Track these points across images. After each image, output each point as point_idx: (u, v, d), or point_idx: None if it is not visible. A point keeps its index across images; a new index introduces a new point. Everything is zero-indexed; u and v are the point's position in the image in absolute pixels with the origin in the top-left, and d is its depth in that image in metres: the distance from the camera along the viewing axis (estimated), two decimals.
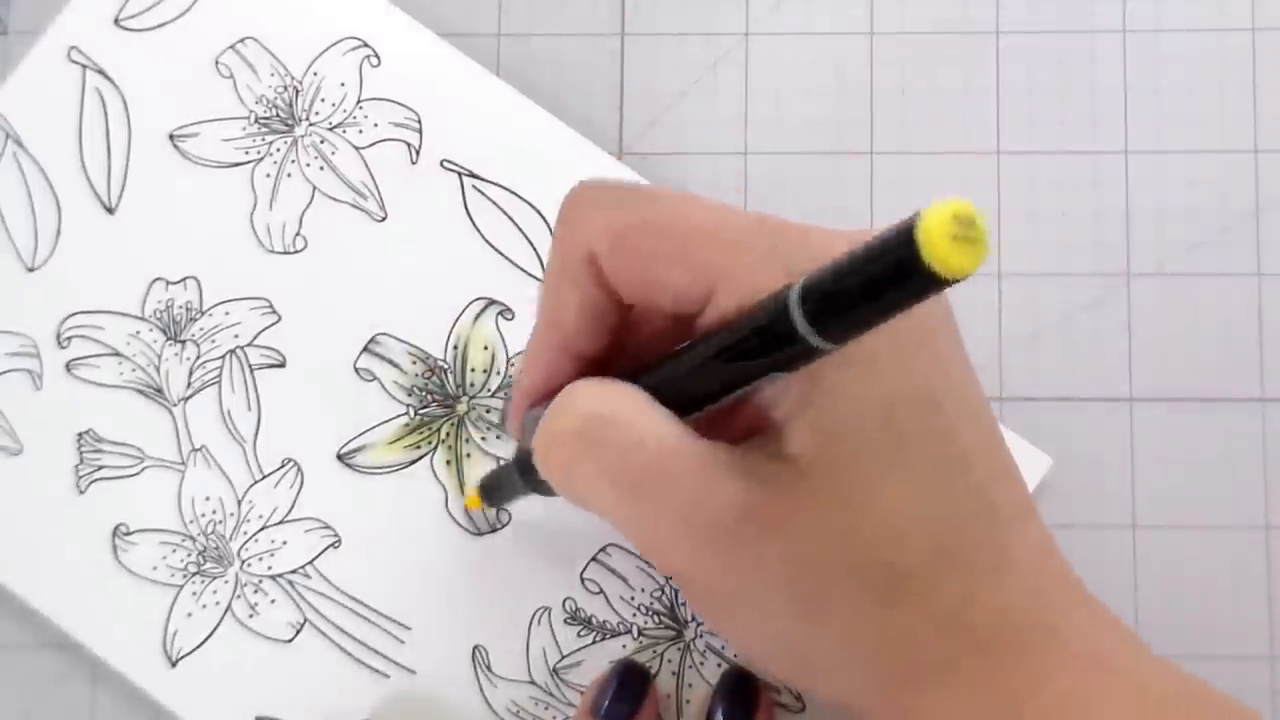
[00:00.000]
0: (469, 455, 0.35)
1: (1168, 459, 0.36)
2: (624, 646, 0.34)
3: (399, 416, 0.36)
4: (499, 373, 0.36)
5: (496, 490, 0.33)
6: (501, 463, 0.35)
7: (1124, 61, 0.37)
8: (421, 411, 0.36)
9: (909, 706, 0.25)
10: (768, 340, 0.22)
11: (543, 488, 0.29)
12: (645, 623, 0.35)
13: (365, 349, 0.36)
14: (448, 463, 0.35)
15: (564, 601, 0.35)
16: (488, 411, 0.36)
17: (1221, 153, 0.37)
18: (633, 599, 0.35)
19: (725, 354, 0.24)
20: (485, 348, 0.36)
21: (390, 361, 0.36)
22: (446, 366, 0.36)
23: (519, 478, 0.30)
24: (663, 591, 0.35)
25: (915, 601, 0.25)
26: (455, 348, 0.36)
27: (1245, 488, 0.36)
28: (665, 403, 0.25)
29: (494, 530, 0.35)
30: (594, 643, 0.34)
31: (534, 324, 0.28)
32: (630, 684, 0.33)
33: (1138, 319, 0.36)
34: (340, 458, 0.36)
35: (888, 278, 0.19)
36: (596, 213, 0.26)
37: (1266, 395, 0.36)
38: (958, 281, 0.18)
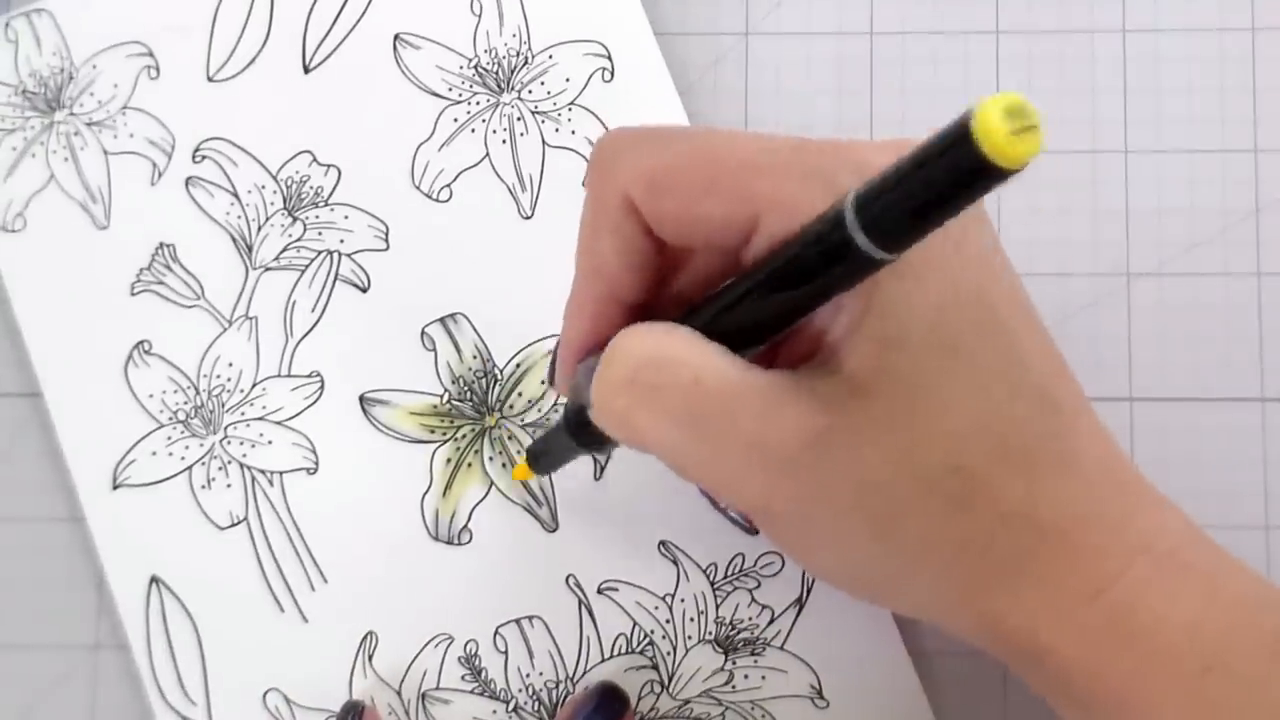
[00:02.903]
0: (469, 465, 0.35)
1: (1168, 459, 0.35)
2: (493, 713, 0.34)
3: (434, 395, 0.36)
4: (540, 410, 0.36)
5: (546, 454, 0.33)
6: (544, 431, 0.34)
7: (1124, 61, 0.37)
8: (455, 403, 0.36)
9: (986, 609, 0.26)
10: (823, 258, 0.22)
11: (595, 444, 0.29)
12: (525, 702, 0.34)
13: (439, 319, 0.36)
14: (448, 460, 0.35)
15: (466, 643, 0.35)
16: (509, 438, 0.35)
17: (1221, 153, 0.36)
18: (527, 675, 0.34)
19: (779, 280, 0.23)
20: (542, 382, 0.36)
21: (454, 342, 0.36)
22: (499, 377, 0.36)
23: (569, 436, 0.29)
24: (558, 686, 0.34)
25: (983, 503, 0.25)
26: (518, 365, 0.36)
27: (1245, 487, 0.35)
28: (718, 340, 0.25)
29: (450, 543, 0.35)
30: (470, 692, 0.34)
31: (574, 276, 0.27)
32: (608, 706, 0.33)
33: (1138, 319, 0.36)
34: (362, 399, 0.36)
35: (948, 177, 0.19)
36: (630, 155, 0.25)
37: (1266, 395, 0.35)
38: (1019, 171, 0.18)
